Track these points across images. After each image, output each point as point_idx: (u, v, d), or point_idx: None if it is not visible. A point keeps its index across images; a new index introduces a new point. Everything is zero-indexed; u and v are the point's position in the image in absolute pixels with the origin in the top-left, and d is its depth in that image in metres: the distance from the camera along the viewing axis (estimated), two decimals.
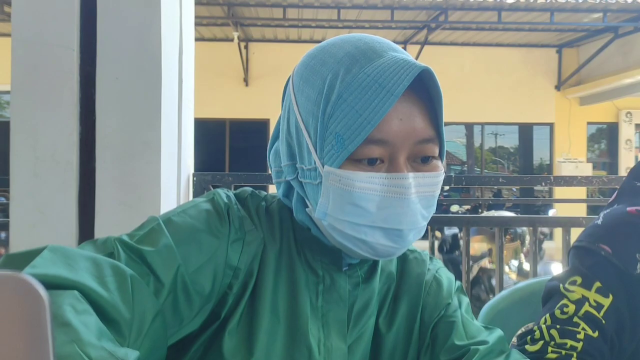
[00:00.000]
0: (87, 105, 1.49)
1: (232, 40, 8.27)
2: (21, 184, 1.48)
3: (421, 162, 0.65)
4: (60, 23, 1.47)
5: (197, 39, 1.77)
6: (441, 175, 0.66)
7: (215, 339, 0.64)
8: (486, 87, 9.23)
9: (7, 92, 9.20)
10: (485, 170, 10.21)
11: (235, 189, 0.75)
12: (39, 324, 0.25)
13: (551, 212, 7.05)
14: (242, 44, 8.76)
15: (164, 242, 0.60)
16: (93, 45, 1.48)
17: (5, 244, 5.49)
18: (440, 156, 0.67)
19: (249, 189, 0.75)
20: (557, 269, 4.65)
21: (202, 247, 0.63)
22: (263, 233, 0.69)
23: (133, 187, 1.48)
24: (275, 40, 9.15)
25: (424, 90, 0.64)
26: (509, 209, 7.30)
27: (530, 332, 0.82)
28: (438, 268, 0.80)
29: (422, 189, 0.63)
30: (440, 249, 5.91)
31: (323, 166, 0.63)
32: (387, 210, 0.61)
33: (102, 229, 1.47)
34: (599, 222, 0.86)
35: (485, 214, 5.12)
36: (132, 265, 0.57)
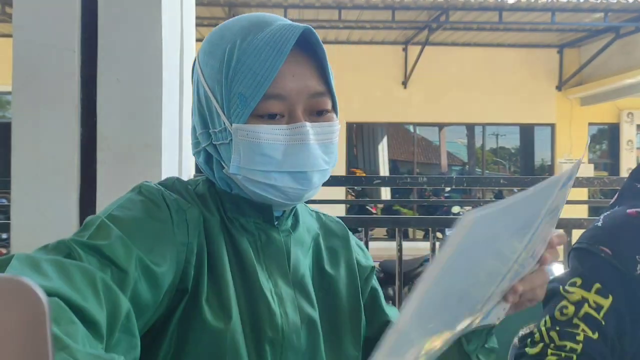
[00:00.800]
0: (88, 107, 1.49)
1: None
2: (22, 186, 1.48)
3: (317, 115, 0.73)
4: (61, 25, 1.48)
5: (198, 40, 1.77)
6: (335, 125, 0.74)
7: (193, 311, 0.68)
8: (487, 88, 9.22)
9: (8, 93, 9.22)
10: (487, 171, 10.21)
11: None
12: (38, 326, 0.25)
13: None
14: None
15: (115, 234, 0.62)
16: (94, 46, 1.48)
17: (7, 245, 5.50)
18: (334, 110, 0.76)
19: (173, 177, 0.80)
20: (558, 269, 4.64)
21: (150, 233, 0.66)
22: (199, 208, 0.73)
23: None
24: None
25: (312, 51, 0.72)
26: None
27: (531, 334, 0.82)
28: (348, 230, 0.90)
29: (321, 137, 0.72)
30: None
31: (231, 125, 0.70)
32: (292, 157, 0.69)
33: None
34: (600, 224, 0.86)
35: None
36: (92, 261, 0.58)
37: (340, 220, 0.90)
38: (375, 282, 0.88)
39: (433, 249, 1.93)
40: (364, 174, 9.68)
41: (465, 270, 0.50)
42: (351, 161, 9.65)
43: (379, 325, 0.84)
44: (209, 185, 0.78)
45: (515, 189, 8.55)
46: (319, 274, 0.80)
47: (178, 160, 1.65)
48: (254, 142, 0.69)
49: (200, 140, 0.76)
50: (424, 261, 5.40)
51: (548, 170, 10.04)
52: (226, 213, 0.75)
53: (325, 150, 0.73)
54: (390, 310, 0.88)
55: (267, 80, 0.67)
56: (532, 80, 9.42)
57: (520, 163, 10.64)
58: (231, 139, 0.71)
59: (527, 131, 10.23)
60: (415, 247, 5.43)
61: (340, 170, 9.26)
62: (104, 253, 0.59)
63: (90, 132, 1.49)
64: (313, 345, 0.74)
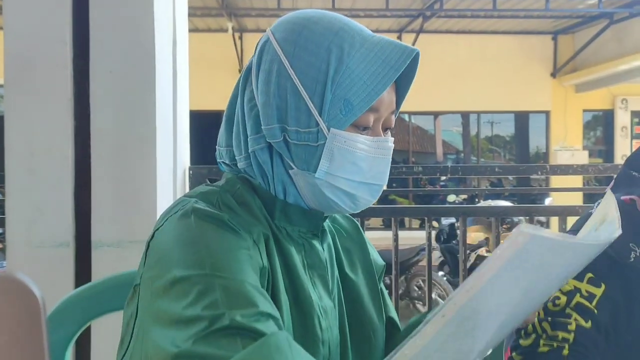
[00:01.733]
0: (82, 100, 1.48)
1: (226, 31, 8.23)
2: (17, 181, 1.47)
3: (385, 130, 0.74)
4: (52, 17, 1.46)
5: (190, 30, 1.76)
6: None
7: None
8: (482, 76, 9.22)
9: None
10: (482, 159, 10.23)
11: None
12: (34, 321, 0.26)
13: (547, 201, 7.08)
14: (237, 35, 8.73)
15: (249, 290, 0.60)
16: (86, 38, 1.47)
17: (2, 240, 5.48)
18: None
19: (209, 188, 0.74)
20: None
21: (248, 265, 0.64)
22: (259, 224, 0.70)
23: (129, 182, 1.48)
24: None
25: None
26: (505, 197, 7.32)
27: (524, 325, 0.83)
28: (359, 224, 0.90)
29: (390, 153, 0.73)
30: (438, 239, 5.93)
31: (328, 129, 0.68)
32: (375, 169, 0.71)
33: (99, 224, 1.47)
34: (594, 211, 0.86)
35: (482, 203, 5.13)
36: (270, 327, 0.59)
37: (350, 215, 0.87)
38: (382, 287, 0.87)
39: (429, 238, 1.93)
40: None
41: (503, 292, 0.47)
42: None
43: (384, 323, 0.83)
44: (251, 191, 0.73)
45: (510, 177, 8.59)
46: (343, 280, 0.79)
47: (172, 152, 1.64)
48: (349, 151, 0.69)
49: (266, 134, 0.71)
50: (420, 250, 5.42)
51: (543, 157, 10.07)
52: (274, 221, 0.72)
53: (390, 165, 0.74)
54: (391, 304, 0.88)
55: (377, 93, 0.68)
56: (527, 67, 9.42)
57: (516, 151, 10.66)
58: (321, 143, 0.69)
59: (522, 119, 10.24)
60: (412, 237, 5.44)
61: None
62: (267, 313, 0.59)
63: (84, 125, 1.48)
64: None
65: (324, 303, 0.73)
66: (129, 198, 1.48)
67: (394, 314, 0.85)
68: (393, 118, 0.74)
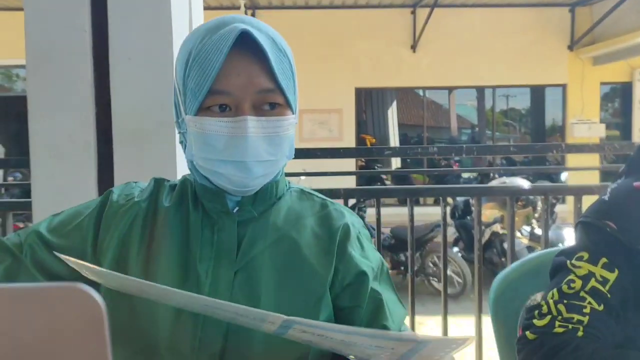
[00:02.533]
0: (102, 86, 1.51)
1: (238, 7, 8.17)
2: (41, 165, 1.51)
3: (269, 108, 0.79)
4: (71, 4, 1.48)
5: (203, 8, 1.77)
6: (284, 119, 0.80)
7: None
8: (497, 50, 9.07)
9: (16, 66, 9.20)
10: (497, 133, 10.13)
11: None
12: (98, 330, 0.29)
13: (563, 176, 7.03)
14: (249, 12, 8.67)
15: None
16: (105, 25, 1.49)
17: (24, 221, 5.59)
18: (289, 105, 0.81)
19: (156, 179, 0.92)
20: (569, 234, 4.67)
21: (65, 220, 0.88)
22: (144, 204, 0.86)
23: (150, 166, 1.51)
24: (283, 7, 9.03)
25: (262, 51, 0.76)
26: (520, 171, 7.29)
27: (538, 306, 0.85)
28: (358, 229, 0.90)
29: (265, 130, 0.78)
30: (452, 215, 5.94)
31: (186, 116, 0.79)
32: (232, 147, 0.76)
33: None
34: (606, 197, 0.88)
35: (497, 180, 5.11)
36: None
37: (346, 212, 0.91)
38: (378, 285, 0.85)
39: (444, 218, 1.95)
40: (373, 140, 9.66)
41: None
42: (361, 127, 9.62)
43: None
44: (188, 178, 0.89)
45: (525, 157, 8.51)
46: (284, 259, 0.83)
47: None
48: (200, 133, 0.77)
49: (175, 128, 0.86)
50: (434, 227, 5.45)
51: (559, 130, 9.94)
52: (195, 199, 0.85)
53: (270, 142, 0.78)
54: (396, 311, 0.85)
55: (210, 78, 0.75)
56: (543, 40, 9.25)
57: (531, 125, 10.53)
58: (186, 129, 0.80)
59: (538, 92, 10.10)
60: (426, 213, 5.44)
61: (350, 138, 9.24)
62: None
63: (105, 111, 1.51)
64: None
65: (219, 270, 0.80)
66: None
67: (390, 324, 0.83)
68: (269, 96, 0.78)
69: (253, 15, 8.81)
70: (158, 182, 0.91)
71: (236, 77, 0.76)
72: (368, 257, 0.87)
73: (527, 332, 0.85)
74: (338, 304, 0.84)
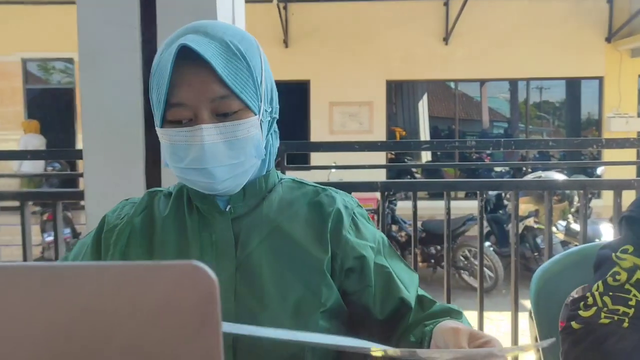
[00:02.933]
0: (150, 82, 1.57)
1: (271, 1, 8.22)
2: (93, 157, 1.58)
3: (224, 116, 0.81)
4: (122, 3, 1.54)
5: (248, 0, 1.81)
6: (243, 122, 0.81)
7: None
8: (532, 41, 8.91)
9: (55, 59, 9.44)
10: (530, 126, 9.97)
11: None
12: (212, 305, 0.32)
13: (600, 170, 6.90)
14: (281, 5, 8.71)
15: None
16: (153, 23, 1.55)
17: (67, 209, 5.76)
18: (249, 107, 0.82)
19: (149, 192, 0.98)
20: (606, 229, 4.59)
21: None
22: (138, 219, 0.91)
23: None
24: (314, 0, 9.04)
25: (221, 59, 0.79)
26: (555, 166, 7.17)
27: (583, 298, 0.86)
28: (352, 210, 0.92)
29: (224, 136, 0.80)
30: (484, 209, 5.89)
31: (157, 128, 0.83)
32: (193, 155, 0.79)
33: None
34: None
35: (533, 174, 5.05)
36: None
37: (338, 196, 0.92)
38: (383, 259, 0.89)
39: (481, 212, 1.96)
40: (404, 132, 9.61)
41: None
42: (391, 120, 9.58)
43: (394, 305, 0.86)
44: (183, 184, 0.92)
45: (559, 151, 8.36)
46: (279, 247, 0.86)
47: None
48: (167, 144, 0.81)
49: None
50: (466, 220, 5.42)
51: (595, 124, 9.73)
52: (190, 202, 0.90)
53: (231, 146, 0.81)
54: (407, 279, 0.89)
55: (163, 92, 0.78)
56: (580, 32, 9.05)
57: (566, 118, 10.32)
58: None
59: (573, 85, 9.89)
60: (457, 207, 5.42)
61: (381, 130, 9.22)
62: None
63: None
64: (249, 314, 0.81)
65: (221, 267, 0.83)
66: None
67: (405, 294, 0.86)
68: (224, 103, 0.80)
69: (285, 8, 8.85)
70: (151, 195, 0.96)
71: (187, 88, 0.79)
72: (365, 237, 0.89)
73: (573, 323, 0.87)
74: (346, 290, 0.86)
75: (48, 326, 0.34)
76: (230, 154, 0.81)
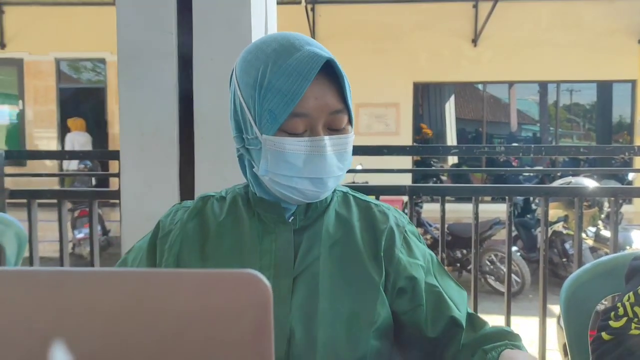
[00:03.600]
0: (185, 85, 1.61)
1: (299, 3, 8.27)
2: (130, 158, 1.63)
3: (334, 130, 0.84)
4: (159, 9, 1.59)
5: (280, 1, 1.84)
6: (350, 137, 0.85)
7: None
8: (562, 43, 8.78)
9: (87, 59, 9.64)
10: (560, 129, 9.81)
11: None
12: (266, 306, 0.35)
13: (631, 176, 6.76)
14: (309, 6, 8.75)
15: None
16: (189, 29, 1.59)
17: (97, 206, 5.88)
18: (350, 123, 0.86)
19: (202, 197, 0.98)
20: (637, 236, 4.50)
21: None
22: (192, 224, 0.92)
23: (228, 160, 1.60)
24: (342, 1, 9.06)
25: (333, 74, 0.82)
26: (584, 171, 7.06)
27: (614, 308, 0.87)
28: (403, 227, 0.94)
29: (336, 148, 0.83)
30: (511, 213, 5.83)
31: (262, 135, 0.82)
32: (311, 165, 0.82)
33: None
34: None
35: (562, 179, 4.98)
36: None
37: (389, 212, 0.95)
38: (433, 279, 0.90)
39: (510, 218, 1.95)
40: (430, 132, 9.54)
41: None
42: (417, 121, 9.53)
43: (445, 324, 0.87)
44: (240, 188, 0.97)
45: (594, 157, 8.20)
46: (339, 263, 0.87)
47: None
48: (279, 152, 0.82)
49: (235, 141, 0.91)
50: (492, 224, 5.37)
51: (627, 128, 9.53)
52: (249, 207, 0.92)
53: (340, 158, 0.84)
54: (457, 297, 0.90)
55: (294, 101, 0.79)
56: (612, 34, 8.88)
57: (597, 121, 10.12)
58: (261, 147, 0.84)
59: (605, 88, 9.71)
60: (483, 210, 5.39)
61: (407, 132, 9.17)
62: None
63: (188, 109, 1.61)
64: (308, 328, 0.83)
65: (279, 278, 0.85)
66: (229, 176, 1.60)
67: (456, 312, 0.88)
68: (339, 117, 0.83)
69: (313, 9, 8.89)
70: (204, 200, 0.97)
71: (314, 100, 0.80)
72: (416, 256, 0.91)
73: (603, 333, 0.87)
74: (398, 309, 0.88)
75: (111, 327, 0.37)
76: (340, 166, 0.85)
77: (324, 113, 0.81)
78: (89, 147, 8.34)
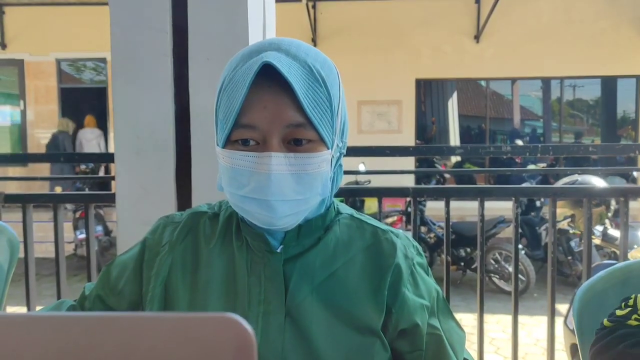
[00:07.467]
0: (181, 86, 1.56)
1: (300, 0, 8.22)
2: (125, 161, 1.58)
3: (295, 144, 0.73)
4: (153, 7, 1.54)
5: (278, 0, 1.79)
6: (314, 156, 0.74)
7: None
8: (566, 39, 8.71)
9: (87, 59, 9.62)
10: (563, 125, 9.75)
11: None
12: (248, 351, 0.30)
13: (637, 173, 6.70)
14: (310, 4, 8.69)
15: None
16: (185, 28, 1.54)
17: (99, 206, 5.85)
18: (323, 139, 0.74)
19: (192, 213, 0.89)
20: None
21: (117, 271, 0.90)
22: (181, 247, 0.84)
23: None
24: None
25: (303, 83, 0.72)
26: (589, 164, 7.01)
27: (627, 298, 0.87)
28: (412, 260, 0.83)
29: (293, 168, 0.72)
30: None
31: (216, 146, 0.77)
32: (256, 184, 0.72)
33: (199, 203, 1.55)
34: None
35: (568, 178, 4.92)
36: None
37: (398, 242, 0.84)
38: (435, 321, 0.83)
39: (516, 219, 1.91)
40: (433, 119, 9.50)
41: None
42: (419, 118, 9.48)
43: None
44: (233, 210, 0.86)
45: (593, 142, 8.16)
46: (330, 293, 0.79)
47: None
48: (227, 166, 0.74)
49: None
50: (497, 223, 5.32)
51: (631, 123, 9.46)
52: (238, 233, 0.82)
53: (299, 180, 0.73)
54: (456, 341, 0.84)
55: (235, 112, 0.71)
56: (616, 29, 8.80)
57: (601, 117, 10.06)
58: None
59: (608, 83, 9.64)
60: (488, 207, 5.34)
61: (410, 130, 9.12)
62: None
63: (184, 110, 1.57)
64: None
65: (269, 314, 0.77)
66: None
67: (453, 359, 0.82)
68: (298, 131, 0.72)
69: (314, 7, 8.84)
70: (195, 217, 0.88)
71: (262, 110, 0.71)
72: (422, 294, 0.82)
73: (606, 320, 0.88)
74: (397, 348, 0.81)
75: None
76: (297, 189, 0.73)
77: (276, 125, 0.71)
78: (97, 142, 8.49)
